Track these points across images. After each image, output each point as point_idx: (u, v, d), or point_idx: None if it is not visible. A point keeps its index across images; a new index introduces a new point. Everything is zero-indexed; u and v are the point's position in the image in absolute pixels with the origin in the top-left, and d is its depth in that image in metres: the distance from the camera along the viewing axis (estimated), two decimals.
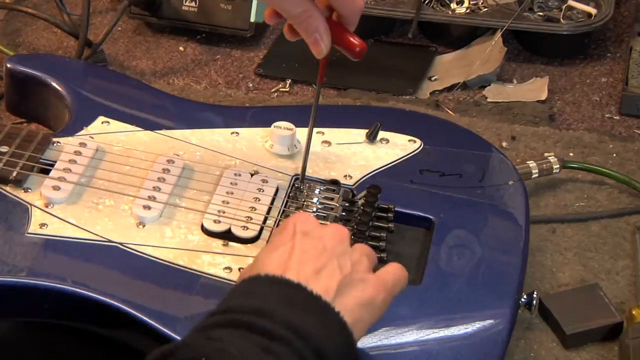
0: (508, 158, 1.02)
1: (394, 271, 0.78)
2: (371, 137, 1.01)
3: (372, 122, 1.02)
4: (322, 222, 0.84)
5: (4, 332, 0.88)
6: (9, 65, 1.05)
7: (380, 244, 0.90)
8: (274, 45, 1.33)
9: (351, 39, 0.83)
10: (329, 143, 1.01)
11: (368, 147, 1.01)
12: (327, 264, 0.74)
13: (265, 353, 0.65)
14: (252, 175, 0.96)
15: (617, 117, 1.23)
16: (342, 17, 0.83)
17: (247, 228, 0.90)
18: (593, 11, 1.30)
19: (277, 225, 0.91)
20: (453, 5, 1.33)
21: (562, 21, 1.30)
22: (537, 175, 1.08)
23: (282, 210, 0.92)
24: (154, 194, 0.92)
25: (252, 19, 1.30)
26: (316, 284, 0.71)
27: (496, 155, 1.02)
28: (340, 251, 0.76)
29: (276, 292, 0.70)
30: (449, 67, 1.30)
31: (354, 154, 1.00)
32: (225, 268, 0.86)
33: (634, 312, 0.93)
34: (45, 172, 0.93)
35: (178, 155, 0.97)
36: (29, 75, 1.04)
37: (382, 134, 1.02)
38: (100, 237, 0.88)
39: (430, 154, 1.01)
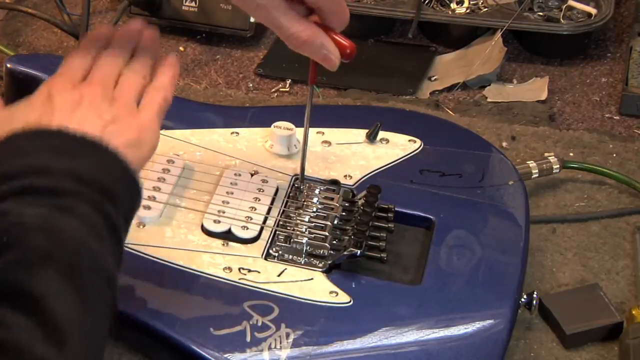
0: (508, 158, 1.02)
1: (157, 101, 0.78)
2: (371, 137, 1.01)
3: (372, 122, 1.02)
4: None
5: None
6: (9, 65, 1.05)
7: (380, 244, 0.90)
8: (274, 45, 1.33)
9: (340, 40, 0.83)
10: (329, 143, 1.01)
11: (368, 147, 1.01)
12: (86, 112, 0.72)
13: (61, 212, 0.64)
14: (252, 175, 0.96)
15: (617, 117, 1.23)
16: (330, 27, 0.83)
17: (247, 228, 0.90)
18: (593, 11, 1.30)
19: (277, 225, 0.91)
20: (453, 5, 1.33)
21: (562, 21, 1.30)
22: (537, 175, 1.08)
23: (282, 210, 0.92)
24: (154, 193, 0.92)
25: (252, 19, 1.30)
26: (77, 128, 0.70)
27: (496, 155, 1.02)
28: (99, 97, 0.74)
29: (43, 144, 0.68)
30: (449, 67, 1.30)
31: (354, 154, 1.00)
32: (225, 268, 0.86)
33: (634, 312, 0.93)
34: None
35: (178, 155, 0.97)
36: (29, 75, 1.04)
37: (382, 134, 1.02)
38: None
39: (430, 154, 1.01)
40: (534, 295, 0.90)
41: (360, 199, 0.93)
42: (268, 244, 0.89)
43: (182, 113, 1.03)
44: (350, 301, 0.85)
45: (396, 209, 0.93)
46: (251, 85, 1.28)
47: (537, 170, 1.08)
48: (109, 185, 0.67)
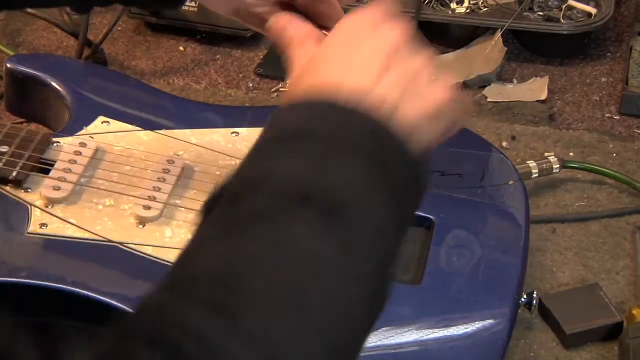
0: (508, 158, 1.02)
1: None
2: None
3: None
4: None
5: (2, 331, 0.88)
6: (8, 65, 1.04)
7: None
8: (274, 45, 1.33)
9: None
10: None
11: None
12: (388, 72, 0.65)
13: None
14: None
15: (617, 117, 1.23)
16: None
17: None
18: (593, 11, 1.30)
19: None
20: (453, 5, 1.33)
21: (562, 21, 1.30)
22: (537, 175, 1.08)
23: None
24: (154, 193, 0.91)
25: None
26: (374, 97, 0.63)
27: (496, 155, 1.02)
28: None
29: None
30: (449, 67, 1.30)
31: None
32: None
33: (634, 312, 0.93)
34: (45, 172, 0.93)
35: (178, 155, 0.97)
36: (29, 75, 1.04)
37: None
38: (100, 237, 0.88)
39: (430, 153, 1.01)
40: (534, 295, 0.90)
41: None
42: None
43: (182, 113, 1.03)
44: None
45: None
46: (251, 85, 1.28)
47: (537, 170, 1.08)
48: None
